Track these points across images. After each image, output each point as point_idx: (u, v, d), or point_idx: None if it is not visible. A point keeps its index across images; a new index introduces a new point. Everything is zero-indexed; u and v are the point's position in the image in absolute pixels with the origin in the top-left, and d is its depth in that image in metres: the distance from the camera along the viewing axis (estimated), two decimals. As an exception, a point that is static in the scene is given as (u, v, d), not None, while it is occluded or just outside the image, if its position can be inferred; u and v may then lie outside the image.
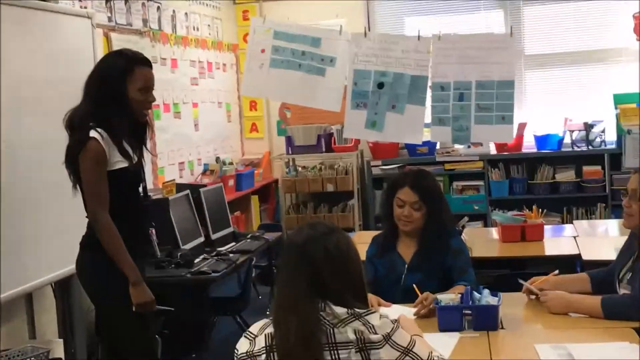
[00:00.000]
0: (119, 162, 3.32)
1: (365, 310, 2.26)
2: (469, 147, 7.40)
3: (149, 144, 3.63)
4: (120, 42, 5.51)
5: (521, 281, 3.44)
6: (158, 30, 6.24)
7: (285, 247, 2.40)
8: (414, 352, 2.28)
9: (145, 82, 3.38)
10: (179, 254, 4.99)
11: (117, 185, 3.32)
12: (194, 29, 7.00)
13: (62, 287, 4.49)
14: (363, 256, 3.51)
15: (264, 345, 2.25)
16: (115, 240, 3.28)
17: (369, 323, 2.23)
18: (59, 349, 3.79)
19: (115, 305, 3.36)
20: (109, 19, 5.50)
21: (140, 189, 3.49)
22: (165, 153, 6.30)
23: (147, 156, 3.68)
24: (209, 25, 7.37)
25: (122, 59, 3.39)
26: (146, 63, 3.44)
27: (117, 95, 3.31)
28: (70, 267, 4.18)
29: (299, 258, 2.30)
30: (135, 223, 3.46)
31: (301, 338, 2.20)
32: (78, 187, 3.35)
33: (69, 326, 4.55)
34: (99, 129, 3.25)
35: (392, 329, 2.25)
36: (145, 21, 6.02)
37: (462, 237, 3.72)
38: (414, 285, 3.28)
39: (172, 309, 3.68)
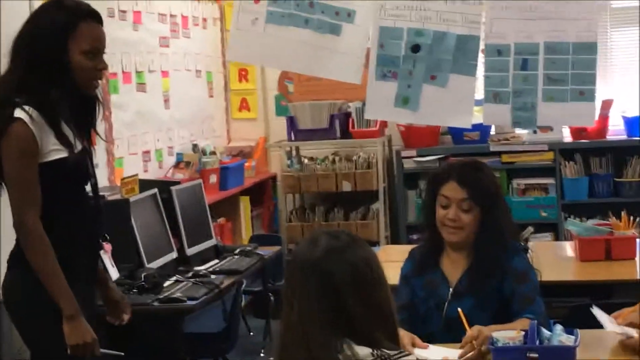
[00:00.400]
0: (55, 152, 3.29)
1: (396, 352, 2.27)
2: (534, 132, 7.37)
3: (100, 127, 3.61)
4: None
5: (597, 312, 3.42)
6: (114, -27, 6.25)
7: (292, 263, 2.40)
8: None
9: (93, 42, 3.35)
10: (142, 274, 4.98)
11: (53, 181, 3.30)
12: (164, -28, 7.02)
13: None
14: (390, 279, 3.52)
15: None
16: (45, 256, 3.24)
17: (354, 352, 2.25)
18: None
19: (48, 345, 3.34)
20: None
21: (88, 187, 3.48)
22: (124, 139, 6.31)
23: (100, 144, 3.67)
24: (184, -33, 7.39)
25: (62, 12, 3.35)
26: (94, 17, 3.40)
27: (55, 61, 3.29)
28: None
29: (315, 279, 2.32)
30: (80, 233, 3.43)
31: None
32: (3, 185, 3.34)
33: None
34: (26, 107, 3.22)
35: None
36: (98, -40, 6.03)
37: (528, 254, 3.68)
38: (460, 311, 3.28)
39: (122, 354, 3.60)
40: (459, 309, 3.30)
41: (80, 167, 3.40)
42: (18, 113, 3.21)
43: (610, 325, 3.36)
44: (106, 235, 3.81)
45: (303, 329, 2.28)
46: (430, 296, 3.60)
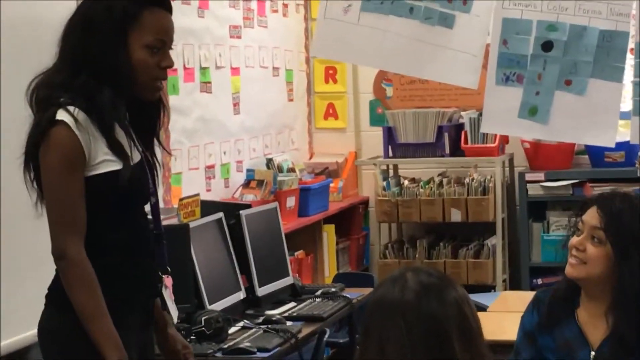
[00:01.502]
0: (107, 163, 3.28)
1: None
2: (703, 154, 7.29)
3: (162, 137, 3.61)
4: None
5: None
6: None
7: (378, 308, 2.41)
8: None
9: (158, 34, 3.35)
10: (202, 318, 5.01)
11: (103, 199, 3.30)
12: (237, -53, 7.08)
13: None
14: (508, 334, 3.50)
15: None
16: (89, 292, 3.23)
17: None
18: None
19: None
20: None
21: (148, 209, 3.49)
22: (184, 150, 6.35)
23: (160, 156, 3.67)
24: (261, -59, 7.44)
25: None
26: (162, 4, 3.40)
27: (111, 56, 3.29)
28: (24, 334, 4.26)
29: (418, 324, 2.32)
30: (135, 264, 3.43)
31: None
32: (42, 201, 3.34)
33: None
34: (71, 108, 3.21)
35: None
36: None
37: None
38: None
39: None
40: None
41: (137, 183, 3.37)
42: (61, 115, 3.19)
43: None
44: (168, 268, 3.80)
45: None
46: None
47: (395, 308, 2.35)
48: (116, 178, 3.27)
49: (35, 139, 3.22)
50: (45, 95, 3.27)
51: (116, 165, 3.28)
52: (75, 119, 3.19)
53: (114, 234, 3.35)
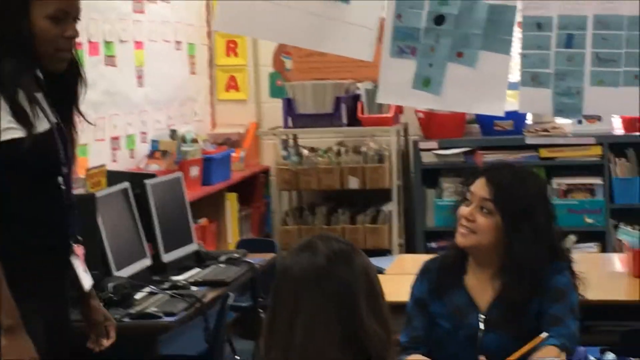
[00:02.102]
0: (10, 130, 3.25)
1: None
2: (580, 122, 7.40)
3: (81, 106, 3.55)
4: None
5: None
6: None
7: (287, 275, 2.41)
8: None
9: (60, 4, 3.31)
10: (110, 285, 4.99)
11: (8, 168, 3.27)
12: None
13: None
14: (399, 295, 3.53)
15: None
16: None
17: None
18: None
19: None
20: None
21: (60, 180, 3.45)
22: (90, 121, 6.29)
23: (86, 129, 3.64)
24: None
25: None
26: None
27: (13, 26, 3.27)
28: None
29: (328, 289, 2.34)
30: (44, 233, 3.42)
31: None
32: None
33: None
34: None
35: None
36: None
37: (573, 270, 3.67)
38: (481, 357, 3.29)
39: None
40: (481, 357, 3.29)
41: (44, 151, 3.34)
42: None
43: None
44: (79, 237, 3.77)
45: (314, 354, 2.28)
46: (459, 327, 3.57)
47: (309, 274, 2.37)
48: (20, 146, 3.24)
49: None
50: None
51: (19, 133, 3.25)
52: None
53: (22, 202, 3.32)
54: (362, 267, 2.40)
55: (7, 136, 3.24)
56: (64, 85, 3.47)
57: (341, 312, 2.32)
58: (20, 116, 3.26)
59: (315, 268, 2.36)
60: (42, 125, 3.34)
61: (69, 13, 3.34)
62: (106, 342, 3.68)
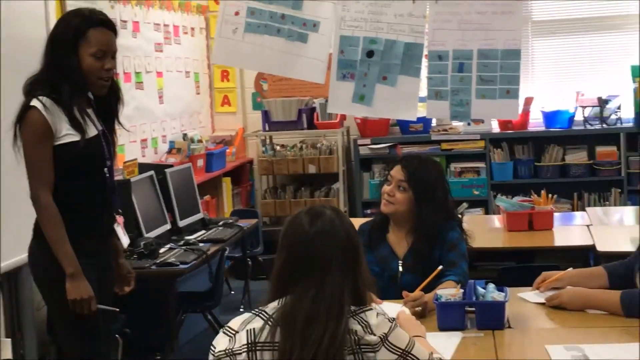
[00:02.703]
0: (68, 135, 3.24)
1: (360, 307, 2.25)
2: (469, 124, 7.42)
3: (120, 119, 3.53)
4: (75, 1, 5.45)
5: (525, 295, 3.43)
6: (118, -11, 6.19)
7: (326, 234, 2.27)
8: (412, 355, 2.27)
9: (100, 46, 3.28)
10: (142, 243, 4.97)
11: (68, 161, 3.27)
12: (158, -12, 6.96)
13: (9, 280, 4.46)
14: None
15: (245, 342, 2.22)
16: (53, 225, 3.22)
17: (365, 321, 2.22)
18: (6, 350, 3.76)
19: (57, 300, 3.30)
20: (62, -24, 5.43)
21: (105, 170, 3.42)
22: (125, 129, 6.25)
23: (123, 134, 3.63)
24: (175, -16, 7.33)
25: (77, 19, 3.31)
26: (105, 24, 3.33)
27: (67, 62, 3.24)
28: (18, 257, 4.18)
29: (348, 248, 2.28)
30: (93, 207, 3.40)
31: (337, 344, 2.17)
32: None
33: (18, 324, 4.52)
34: (42, 97, 3.19)
35: (390, 328, 2.24)
36: (103, -22, 5.97)
37: (463, 227, 3.68)
38: (404, 292, 3.27)
39: (117, 310, 3.57)
40: (404, 292, 3.28)
41: (93, 149, 3.33)
42: (33, 102, 3.19)
43: (537, 297, 3.40)
44: (119, 211, 3.77)
45: (339, 299, 2.21)
46: (385, 270, 3.59)
47: (332, 232, 2.28)
48: (76, 146, 3.25)
49: (18, 117, 3.23)
50: (29, 89, 3.26)
51: (75, 137, 3.26)
52: (44, 105, 3.19)
53: (77, 185, 3.31)
54: (351, 226, 2.35)
55: (66, 140, 3.25)
56: (107, 103, 3.45)
57: (354, 261, 2.28)
58: (76, 125, 3.26)
59: (336, 229, 2.28)
60: (92, 131, 3.34)
61: (107, 52, 3.32)
62: (127, 289, 3.65)
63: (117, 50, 3.39)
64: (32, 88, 3.26)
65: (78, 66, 3.26)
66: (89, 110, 3.38)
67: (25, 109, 3.21)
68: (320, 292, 2.20)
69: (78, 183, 3.32)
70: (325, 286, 2.20)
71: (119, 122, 3.54)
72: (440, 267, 3.29)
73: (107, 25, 3.35)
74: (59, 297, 3.26)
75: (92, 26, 3.29)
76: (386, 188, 3.61)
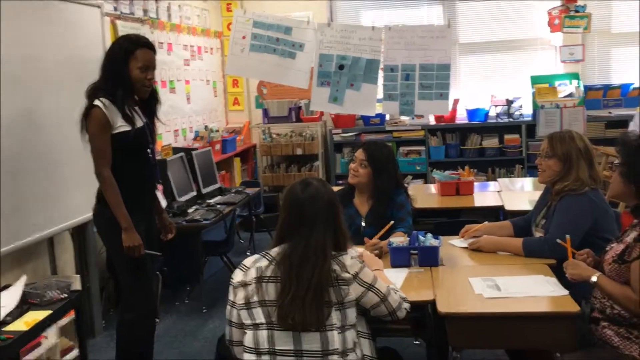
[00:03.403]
0: (122, 127, 3.23)
1: (339, 252, 2.25)
2: (413, 118, 7.41)
3: (159, 114, 3.51)
4: (125, 28, 5.39)
5: (452, 241, 3.43)
6: (156, 19, 6.11)
7: (313, 198, 2.25)
8: (376, 287, 2.28)
9: (144, 62, 3.28)
10: (175, 205, 4.95)
11: (123, 146, 3.24)
12: (186, 19, 6.87)
13: (78, 232, 4.44)
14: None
15: (254, 276, 2.23)
16: (112, 193, 3.21)
17: (342, 263, 2.23)
18: (77, 283, 3.75)
19: (115, 246, 3.29)
20: (115, 9, 5.36)
21: (149, 151, 3.39)
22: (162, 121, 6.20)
23: (161, 126, 3.59)
24: (198, 16, 7.23)
25: (127, 41, 3.30)
26: (148, 45, 3.33)
27: (120, 73, 3.23)
28: (84, 216, 4.16)
29: (328, 205, 2.26)
30: (142, 178, 3.38)
31: (323, 279, 2.16)
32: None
33: (84, 264, 4.51)
34: (102, 99, 3.18)
35: (360, 268, 2.25)
36: (145, 11, 5.89)
37: (408, 193, 3.68)
38: (365, 238, 3.28)
39: (160, 254, 3.57)
40: (365, 238, 3.28)
41: (140, 137, 3.31)
42: (96, 102, 3.19)
43: (462, 243, 3.42)
44: (160, 181, 3.73)
45: (323, 246, 2.20)
46: (352, 225, 3.56)
47: (320, 196, 2.27)
48: (128, 134, 3.24)
49: (85, 114, 3.22)
50: (91, 93, 3.25)
51: (127, 128, 3.24)
52: (104, 104, 3.18)
53: (130, 164, 3.30)
54: (332, 191, 2.34)
55: (121, 129, 3.24)
56: (149, 103, 3.43)
57: (334, 218, 2.27)
58: (127, 118, 3.24)
59: (321, 194, 2.27)
60: (139, 123, 3.32)
61: (149, 66, 3.31)
62: (170, 236, 3.66)
63: (156, 65, 3.37)
64: (94, 92, 3.24)
65: (128, 77, 3.25)
66: (136, 108, 3.36)
67: (90, 107, 3.20)
68: (310, 241, 2.20)
69: (130, 161, 3.30)
70: (313, 236, 2.21)
71: (157, 117, 3.51)
72: (392, 222, 3.29)
73: (149, 47, 3.34)
74: (116, 245, 3.26)
75: (139, 47, 3.28)
76: (352, 165, 3.60)
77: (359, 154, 3.57)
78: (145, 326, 3.48)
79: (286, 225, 2.26)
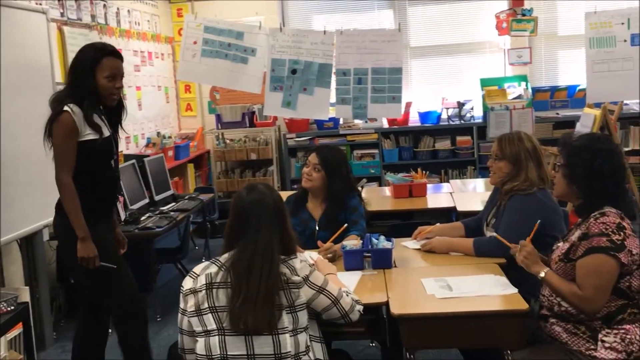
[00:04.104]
0: (89, 134, 3.17)
1: (288, 256, 2.26)
2: (366, 122, 7.47)
3: (123, 124, 3.46)
4: (72, 34, 5.30)
5: (406, 243, 3.47)
6: (105, 25, 6.02)
7: (253, 205, 2.26)
8: (327, 290, 2.29)
9: (111, 70, 3.22)
10: (127, 213, 4.89)
11: (89, 154, 3.19)
12: (135, 24, 6.79)
13: (27, 242, 4.34)
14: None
15: (204, 283, 2.23)
16: (71, 200, 3.15)
17: (292, 266, 2.23)
18: (25, 295, 3.67)
19: (72, 257, 3.23)
20: (62, 15, 5.27)
21: (112, 162, 3.34)
22: (113, 129, 6.11)
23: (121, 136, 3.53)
24: (148, 21, 7.16)
25: (92, 50, 3.25)
26: (114, 54, 3.27)
27: (87, 83, 3.18)
28: (33, 226, 4.08)
29: (275, 211, 2.27)
30: (104, 190, 3.33)
31: (272, 281, 2.17)
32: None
33: (34, 275, 4.41)
34: (71, 105, 3.13)
35: (310, 271, 2.26)
36: (93, 16, 5.80)
37: (362, 196, 3.70)
38: (319, 242, 3.27)
39: (115, 266, 3.50)
40: (319, 241, 3.28)
41: (105, 146, 3.27)
42: (66, 108, 3.13)
43: (415, 245, 3.46)
44: (122, 192, 3.90)
45: (270, 249, 2.20)
46: (306, 229, 3.57)
47: (265, 201, 2.27)
48: (94, 143, 3.19)
49: (52, 120, 3.15)
50: (56, 101, 3.20)
51: (94, 136, 3.19)
52: (72, 111, 3.13)
53: (95, 173, 3.26)
54: (279, 196, 2.35)
55: (88, 137, 3.18)
56: (115, 112, 3.37)
57: (280, 222, 2.27)
58: (95, 127, 3.19)
59: (266, 200, 2.28)
60: (105, 132, 3.27)
61: (117, 74, 3.25)
62: (122, 251, 3.60)
63: (124, 72, 3.31)
64: (61, 99, 3.19)
65: (95, 85, 3.20)
66: (102, 117, 3.30)
67: (59, 113, 3.14)
68: (257, 245, 2.20)
69: (96, 170, 3.26)
70: (259, 240, 2.21)
71: (122, 127, 3.46)
72: (346, 224, 3.30)
73: (116, 55, 3.29)
74: (73, 255, 3.20)
75: (104, 55, 3.23)
76: (305, 169, 3.59)
77: (312, 158, 3.58)
78: (141, 328, 3.47)
79: (233, 231, 2.27)
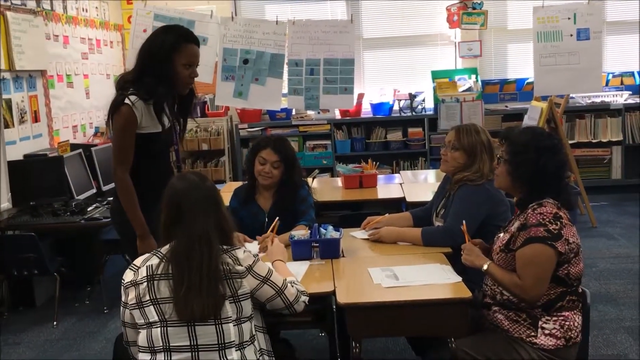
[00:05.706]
0: (150, 127, 3.04)
1: (231, 247, 2.26)
2: (318, 113, 7.47)
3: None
4: (16, 20, 5.16)
5: (354, 233, 3.49)
6: (50, 11, 5.89)
7: (183, 194, 2.25)
8: (271, 281, 2.29)
9: (190, 58, 3.07)
10: (73, 203, 4.80)
11: (149, 147, 3.06)
12: (83, 10, 6.65)
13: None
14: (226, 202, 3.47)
15: (145, 275, 2.22)
16: (127, 196, 3.02)
17: (235, 256, 2.23)
18: None
19: (129, 243, 3.11)
20: (5, 0, 5.13)
21: (173, 154, 3.25)
22: (59, 117, 5.98)
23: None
24: (96, 8, 7.02)
25: (172, 35, 3.06)
26: (193, 40, 3.11)
27: (164, 68, 3.01)
28: None
29: (208, 198, 2.25)
30: (162, 181, 3.20)
31: (213, 267, 2.16)
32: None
33: None
34: (132, 97, 2.97)
35: (254, 261, 2.26)
36: (38, 2, 5.67)
37: (311, 186, 3.70)
38: (274, 224, 3.26)
39: None
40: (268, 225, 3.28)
41: (165, 138, 3.13)
42: (126, 100, 2.97)
43: (363, 235, 3.48)
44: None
45: (207, 237, 2.19)
46: (255, 221, 3.54)
47: (198, 190, 2.26)
48: (156, 136, 3.07)
49: (112, 111, 3.02)
50: (121, 84, 3.06)
51: (156, 129, 3.06)
52: (133, 104, 2.98)
53: (154, 166, 3.13)
54: (215, 191, 2.33)
55: (150, 130, 3.05)
56: (184, 100, 3.24)
57: (214, 209, 2.25)
58: (160, 119, 3.07)
59: (199, 186, 2.26)
60: (166, 123, 3.13)
61: (194, 63, 3.11)
62: None
63: (199, 60, 3.17)
64: (125, 85, 3.04)
65: (172, 72, 3.04)
66: (170, 105, 3.17)
67: (120, 103, 2.99)
68: (192, 233, 2.20)
69: (154, 164, 3.13)
70: (195, 227, 2.21)
71: (193, 117, 3.34)
72: (277, 218, 3.21)
73: (195, 41, 3.13)
74: (133, 252, 3.01)
75: (185, 41, 3.07)
76: (263, 168, 3.50)
77: (268, 155, 3.50)
78: None
79: (169, 221, 2.25)
